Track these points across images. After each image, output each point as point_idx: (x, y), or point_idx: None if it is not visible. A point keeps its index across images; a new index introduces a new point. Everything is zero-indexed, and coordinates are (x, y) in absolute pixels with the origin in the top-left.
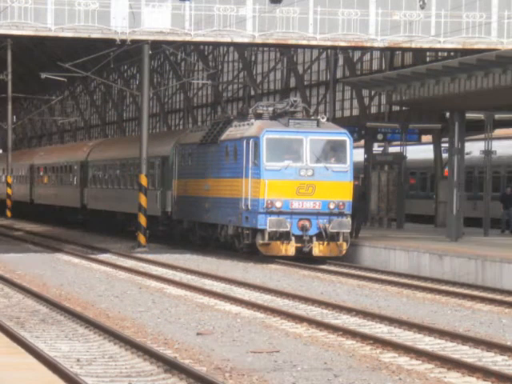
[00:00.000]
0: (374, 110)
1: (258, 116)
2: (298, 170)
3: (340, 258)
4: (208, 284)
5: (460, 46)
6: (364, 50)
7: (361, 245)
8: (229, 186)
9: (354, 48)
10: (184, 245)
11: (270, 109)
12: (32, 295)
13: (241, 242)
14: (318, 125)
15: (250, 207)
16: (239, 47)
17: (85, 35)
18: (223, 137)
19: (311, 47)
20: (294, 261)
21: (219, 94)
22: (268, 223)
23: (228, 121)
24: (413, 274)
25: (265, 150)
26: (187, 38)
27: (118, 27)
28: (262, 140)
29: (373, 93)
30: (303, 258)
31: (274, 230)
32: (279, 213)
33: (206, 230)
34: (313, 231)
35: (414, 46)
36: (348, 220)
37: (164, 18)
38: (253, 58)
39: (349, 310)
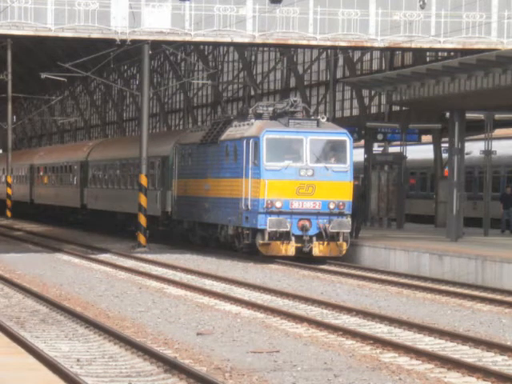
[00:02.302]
0: (374, 110)
1: (258, 116)
2: (298, 170)
3: (340, 258)
4: (208, 284)
5: (460, 46)
6: (364, 49)
7: (361, 245)
8: (229, 186)
9: (354, 48)
10: (184, 245)
11: (270, 109)
12: (32, 295)
13: (241, 242)
14: (318, 125)
15: (250, 207)
16: (239, 47)
17: (85, 35)
18: (223, 137)
19: (311, 47)
20: (293, 261)
21: (219, 94)
22: (268, 223)
23: (228, 121)
24: (413, 274)
25: (265, 150)
26: (187, 38)
27: (118, 27)
28: (261, 140)
29: (373, 93)
30: (303, 258)
31: (274, 230)
32: (279, 213)
33: (206, 229)
34: (313, 231)
35: (413, 46)
36: (348, 220)
37: (164, 18)
38: (253, 58)
39: (349, 310)
